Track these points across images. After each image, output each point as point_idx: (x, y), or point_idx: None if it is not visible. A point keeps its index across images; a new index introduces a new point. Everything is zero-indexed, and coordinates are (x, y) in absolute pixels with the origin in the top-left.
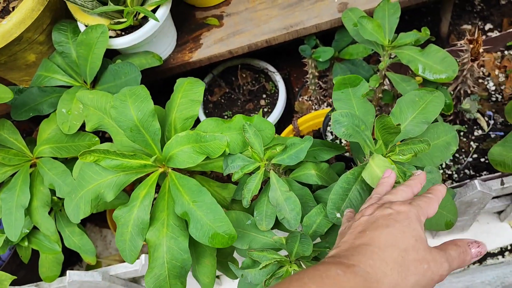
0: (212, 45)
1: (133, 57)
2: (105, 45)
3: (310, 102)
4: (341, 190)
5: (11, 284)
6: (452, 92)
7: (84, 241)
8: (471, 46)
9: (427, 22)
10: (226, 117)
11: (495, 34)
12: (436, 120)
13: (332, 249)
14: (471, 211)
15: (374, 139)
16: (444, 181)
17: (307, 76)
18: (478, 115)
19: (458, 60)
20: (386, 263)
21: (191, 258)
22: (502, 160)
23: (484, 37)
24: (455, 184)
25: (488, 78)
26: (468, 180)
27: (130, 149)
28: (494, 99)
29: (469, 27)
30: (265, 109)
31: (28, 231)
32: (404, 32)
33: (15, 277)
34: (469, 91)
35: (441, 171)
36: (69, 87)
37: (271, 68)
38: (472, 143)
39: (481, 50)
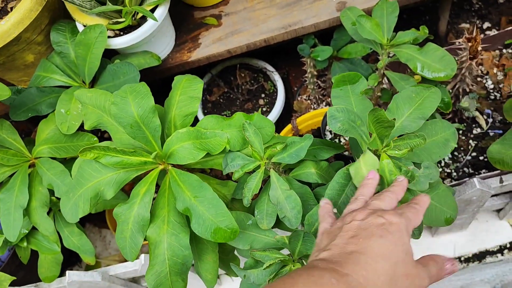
0: (211, 44)
1: (131, 57)
2: (103, 45)
3: (309, 101)
4: (338, 186)
5: (10, 285)
6: (450, 91)
7: (83, 241)
8: (470, 44)
9: (426, 21)
10: (225, 116)
11: (493, 32)
12: (434, 117)
13: (322, 250)
14: (470, 209)
15: (371, 135)
16: (443, 179)
17: (306, 75)
18: (477, 114)
19: (456, 59)
20: (378, 276)
21: (193, 255)
22: (501, 158)
23: (482, 35)
24: (454, 182)
25: (487, 77)
26: (467, 178)
27: (130, 146)
28: (492, 97)
29: (467, 25)
30: (264, 109)
31: (27, 231)
32: (403, 31)
33: (15, 278)
34: (467, 90)
35: (440, 169)
36: (67, 87)
37: (269, 67)
38: (471, 141)
39: (479, 48)
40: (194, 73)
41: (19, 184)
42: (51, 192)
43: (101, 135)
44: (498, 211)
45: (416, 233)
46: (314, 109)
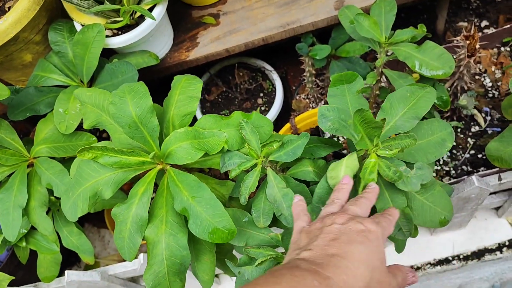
0: (209, 43)
1: (130, 56)
2: (101, 44)
3: (307, 100)
4: (327, 185)
5: (9, 285)
6: (449, 89)
7: (82, 241)
8: (468, 42)
9: (423, 19)
10: (223, 116)
11: (491, 31)
12: (433, 117)
13: (302, 249)
14: (468, 207)
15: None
16: (441, 177)
17: (304, 74)
18: (475, 111)
19: (454, 57)
20: (356, 281)
21: (190, 255)
22: (499, 156)
23: (480, 34)
24: (452, 180)
25: (485, 75)
26: (465, 176)
27: (128, 146)
28: (490, 95)
29: (465, 24)
30: (263, 108)
31: (26, 231)
32: (401, 29)
33: (13, 278)
34: (465, 87)
35: (439, 167)
36: (66, 86)
37: (268, 66)
38: (469, 139)
39: (477, 46)
40: (193, 73)
41: (18, 184)
42: (50, 191)
43: (100, 134)
44: (497, 209)
45: (413, 233)
46: (313, 108)
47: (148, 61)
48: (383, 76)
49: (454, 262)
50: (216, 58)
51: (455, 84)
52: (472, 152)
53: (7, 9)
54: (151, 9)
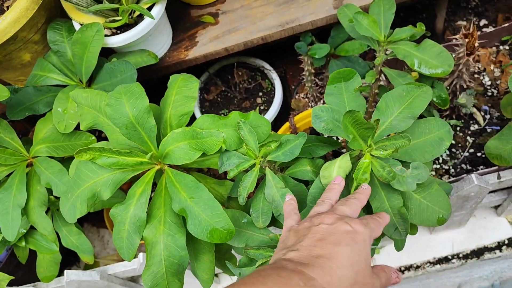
0: (208, 43)
1: (128, 56)
2: (100, 43)
3: (306, 99)
4: (321, 185)
5: (8, 285)
6: (448, 87)
7: (81, 240)
8: (467, 40)
9: (422, 18)
10: (222, 115)
11: (490, 29)
12: (432, 115)
13: (289, 249)
14: (468, 206)
15: None
16: (441, 176)
17: (303, 73)
18: (474, 110)
19: (453, 55)
20: (341, 282)
21: (190, 255)
22: (498, 154)
23: (479, 32)
24: (452, 179)
25: (484, 73)
26: (465, 175)
27: (126, 147)
28: (489, 93)
29: (464, 23)
30: (262, 107)
31: (25, 231)
32: (400, 28)
33: (13, 277)
34: (465, 86)
35: (438, 166)
36: (64, 86)
37: (267, 66)
38: (468, 137)
39: (476, 44)
40: (192, 72)
41: (17, 183)
42: (49, 191)
43: (99, 134)
44: (496, 207)
45: (410, 231)
46: (312, 107)
47: (147, 60)
48: (382, 75)
49: (454, 260)
50: (215, 57)
51: (454, 82)
52: (471, 150)
53: (5, 8)
54: (150, 8)
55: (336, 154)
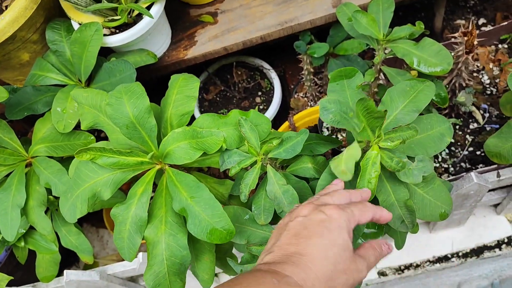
0: (207, 42)
1: (127, 55)
2: (99, 43)
3: (305, 98)
4: (330, 177)
5: (8, 285)
6: (447, 86)
7: (81, 240)
8: (466, 38)
9: (421, 17)
10: (222, 115)
11: (488, 28)
12: (431, 112)
13: (267, 252)
14: (467, 204)
15: None
16: (440, 174)
17: (302, 72)
18: (473, 108)
19: (452, 54)
20: (317, 277)
21: (190, 254)
22: (498, 152)
23: (477, 31)
24: (451, 177)
25: (483, 72)
26: (464, 173)
27: (127, 146)
28: (489, 92)
29: (462, 22)
30: (261, 107)
31: (24, 231)
32: (399, 27)
33: (12, 278)
34: (464, 84)
35: (437, 164)
36: (63, 85)
37: (266, 65)
38: (467, 136)
39: (475, 43)
40: (191, 72)
41: (16, 184)
42: (49, 191)
43: (98, 134)
44: (496, 206)
45: (414, 227)
46: (311, 106)
47: (146, 59)
48: (382, 74)
49: (453, 259)
50: (214, 56)
51: (453, 81)
52: (471, 149)
53: (4, 8)
54: (148, 8)
55: (335, 153)
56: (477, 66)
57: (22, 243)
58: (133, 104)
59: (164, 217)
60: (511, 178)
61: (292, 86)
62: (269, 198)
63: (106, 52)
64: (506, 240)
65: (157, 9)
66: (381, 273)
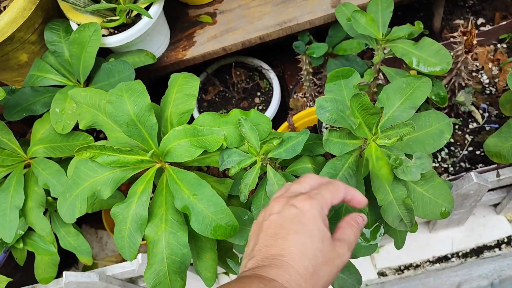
0: (206, 42)
1: (126, 56)
2: (98, 43)
3: (304, 99)
4: (328, 176)
5: (6, 287)
6: (446, 86)
7: (80, 242)
8: (465, 37)
9: (420, 17)
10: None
11: (487, 28)
12: (428, 109)
13: (248, 257)
14: (467, 204)
15: None
16: (440, 174)
17: (301, 73)
18: (473, 108)
19: (452, 53)
20: (300, 276)
21: (192, 253)
22: (497, 151)
23: (476, 31)
24: (451, 177)
25: (482, 72)
26: (464, 173)
27: (126, 145)
28: (488, 92)
29: (461, 21)
30: (260, 107)
31: (23, 232)
32: (398, 26)
33: (11, 279)
34: (463, 84)
35: (437, 164)
36: (62, 86)
37: (265, 65)
38: (467, 136)
39: (474, 42)
40: (190, 72)
41: (15, 185)
42: (47, 192)
43: (97, 135)
44: (495, 206)
45: (413, 226)
46: (310, 106)
47: (145, 60)
48: (381, 73)
49: (453, 259)
50: (213, 57)
51: (452, 80)
52: (470, 148)
53: (2, 9)
54: (147, 8)
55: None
56: (476, 66)
57: (21, 245)
58: (134, 102)
59: (164, 215)
60: (511, 178)
61: (291, 87)
62: (269, 198)
63: (104, 53)
64: (506, 240)
65: (156, 10)
66: (381, 274)
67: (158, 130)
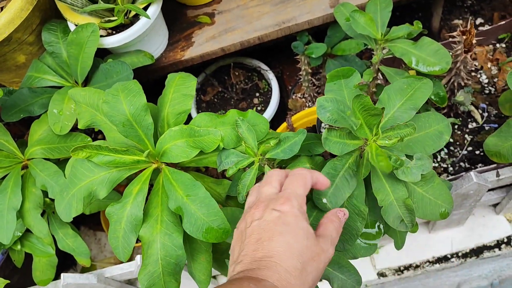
0: (204, 43)
1: (124, 56)
2: (96, 44)
3: (303, 99)
4: (328, 177)
5: None
6: (445, 85)
7: (78, 243)
8: (464, 37)
9: (419, 17)
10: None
11: (486, 28)
12: (428, 111)
13: (235, 262)
14: (467, 204)
15: None
16: (439, 174)
17: (300, 73)
18: (472, 108)
19: (451, 53)
20: (289, 274)
21: (186, 255)
22: (497, 151)
23: (475, 31)
24: (450, 177)
25: (481, 71)
26: (463, 173)
27: (123, 145)
28: (487, 91)
29: (460, 21)
30: (259, 108)
31: (20, 234)
32: (397, 26)
33: (8, 281)
34: (462, 84)
35: (436, 164)
36: (60, 87)
37: (263, 66)
38: (466, 135)
39: (474, 41)
40: (188, 73)
41: (12, 186)
42: (45, 193)
43: (95, 136)
44: (495, 206)
45: (414, 226)
46: (309, 107)
47: (143, 60)
48: (380, 73)
49: (453, 259)
50: (212, 57)
51: (452, 80)
52: (470, 148)
53: None
54: (145, 8)
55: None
56: (475, 66)
57: (19, 246)
58: (130, 101)
59: (159, 216)
60: (511, 178)
61: (290, 87)
62: None
63: (102, 53)
64: (505, 240)
65: (154, 10)
66: (381, 274)
67: (155, 130)
